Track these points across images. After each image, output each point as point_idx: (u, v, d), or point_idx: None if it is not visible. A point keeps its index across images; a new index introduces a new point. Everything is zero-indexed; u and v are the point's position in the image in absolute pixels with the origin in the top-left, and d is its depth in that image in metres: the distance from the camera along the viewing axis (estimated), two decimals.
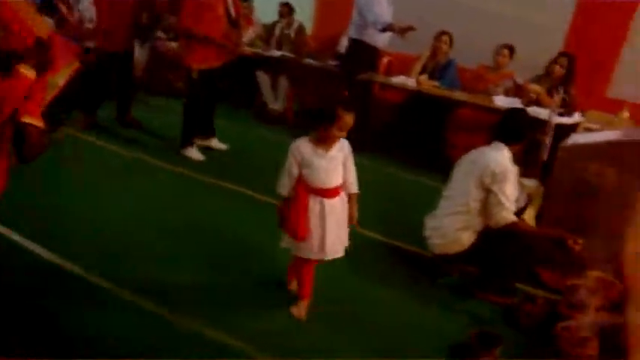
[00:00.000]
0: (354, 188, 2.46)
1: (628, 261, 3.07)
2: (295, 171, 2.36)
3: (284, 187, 2.39)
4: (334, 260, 2.46)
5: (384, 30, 5.06)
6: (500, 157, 2.86)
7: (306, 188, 2.35)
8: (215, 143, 4.75)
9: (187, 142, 4.48)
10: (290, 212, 2.37)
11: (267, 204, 3.73)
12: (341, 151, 2.38)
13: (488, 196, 2.82)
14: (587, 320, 2.37)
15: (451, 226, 2.89)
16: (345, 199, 2.44)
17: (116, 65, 4.83)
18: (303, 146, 2.36)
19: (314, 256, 2.43)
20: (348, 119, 2.27)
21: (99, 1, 4.60)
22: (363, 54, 5.30)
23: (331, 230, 2.39)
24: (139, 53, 5.84)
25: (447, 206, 2.97)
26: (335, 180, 2.37)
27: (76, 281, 2.55)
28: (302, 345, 2.33)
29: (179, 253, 2.96)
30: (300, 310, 2.52)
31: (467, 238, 2.87)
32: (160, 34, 6.17)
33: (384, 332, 2.51)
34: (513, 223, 2.78)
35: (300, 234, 2.35)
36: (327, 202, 2.37)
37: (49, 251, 2.74)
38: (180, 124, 4.51)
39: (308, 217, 2.35)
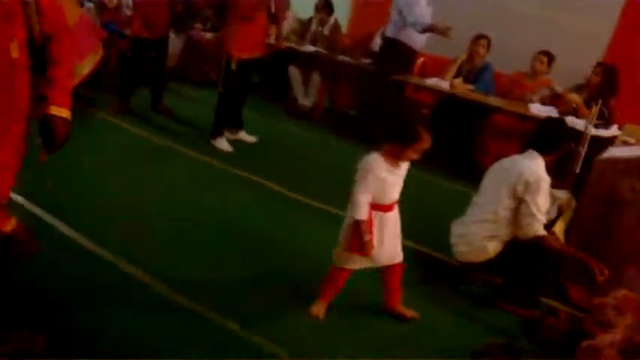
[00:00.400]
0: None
1: None
2: (371, 188, 2.29)
3: (363, 208, 2.27)
4: None
5: (424, 31, 5.02)
6: (535, 166, 2.79)
7: (371, 204, 2.31)
8: (244, 135, 4.78)
9: (217, 133, 4.52)
10: (356, 230, 2.31)
11: (292, 199, 3.78)
12: (404, 169, 2.38)
13: (519, 206, 2.76)
14: (613, 339, 2.30)
15: (478, 234, 2.84)
16: (397, 209, 2.43)
17: (151, 53, 4.89)
18: (377, 163, 2.29)
19: (363, 265, 2.44)
20: (428, 142, 2.23)
21: None
22: (399, 54, 5.25)
23: (388, 242, 2.39)
24: (175, 42, 5.90)
25: (475, 213, 2.92)
26: (397, 194, 2.39)
27: (108, 268, 2.58)
28: (319, 345, 2.32)
29: (202, 243, 2.99)
30: (319, 309, 2.50)
31: (493, 248, 2.81)
32: (197, 25, 6.23)
33: (398, 333, 2.49)
34: (542, 237, 2.72)
35: (367, 252, 2.31)
36: (385, 215, 2.36)
37: (82, 235, 2.78)
38: (211, 114, 4.55)
39: (374, 232, 2.32)
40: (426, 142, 2.23)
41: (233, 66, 4.29)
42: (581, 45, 5.42)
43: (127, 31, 4.79)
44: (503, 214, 2.81)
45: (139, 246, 2.79)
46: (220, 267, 2.78)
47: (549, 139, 2.86)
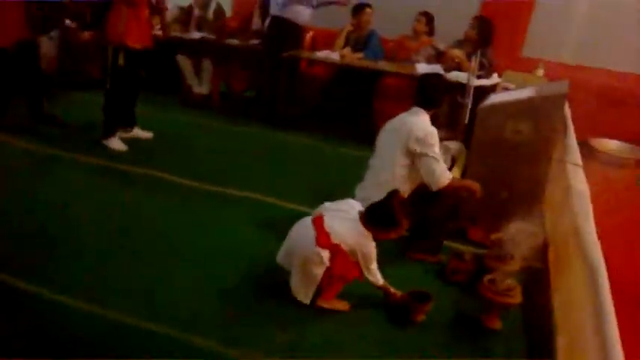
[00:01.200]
0: None
1: (548, 209, 3.23)
2: None
3: (378, 275, 2.50)
4: None
5: (320, 5, 5.08)
6: (421, 122, 2.91)
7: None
8: (138, 132, 4.59)
9: (109, 133, 4.31)
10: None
11: (195, 189, 3.69)
12: None
13: (419, 162, 2.88)
14: (511, 270, 2.47)
15: (379, 196, 2.93)
16: None
17: (11, 61, 4.50)
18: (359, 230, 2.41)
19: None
20: (405, 226, 2.43)
21: None
22: (286, 31, 5.23)
23: None
24: (47, 46, 5.50)
25: (373, 176, 3.01)
26: None
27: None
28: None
29: (106, 247, 2.85)
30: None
31: None
32: (69, 23, 5.84)
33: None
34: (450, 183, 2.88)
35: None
36: None
37: None
38: (100, 115, 4.32)
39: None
40: (404, 227, 2.43)
41: (121, 60, 4.07)
42: (458, 3, 5.68)
43: None
44: (399, 173, 2.91)
45: (51, 264, 2.63)
46: (160, 274, 2.65)
47: (429, 95, 2.99)
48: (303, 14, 5.18)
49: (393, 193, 2.43)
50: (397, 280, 2.56)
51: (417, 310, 2.40)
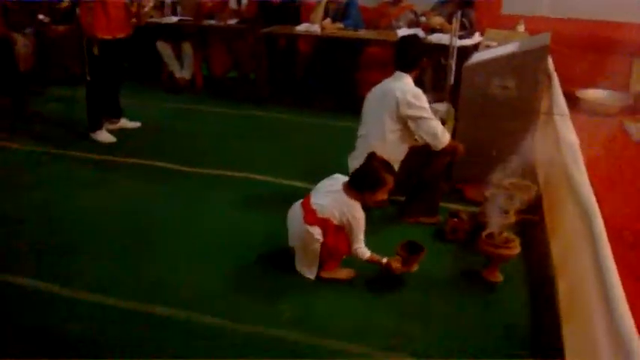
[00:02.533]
0: None
1: (539, 162, 3.27)
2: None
3: (366, 252, 2.48)
4: None
5: None
6: (405, 85, 2.92)
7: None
8: (125, 122, 4.55)
9: (96, 126, 4.27)
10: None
11: (185, 173, 3.69)
12: None
13: (416, 125, 2.89)
14: (507, 223, 2.51)
15: None
16: None
17: None
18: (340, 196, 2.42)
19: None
20: (391, 182, 2.41)
21: None
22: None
23: None
24: (23, 43, 5.40)
25: (363, 145, 3.01)
26: None
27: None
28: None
29: (106, 241, 2.85)
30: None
31: None
32: (42, 17, 5.73)
33: None
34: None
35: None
36: None
37: None
38: (84, 109, 4.28)
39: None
40: (390, 183, 2.41)
41: (95, 50, 4.01)
42: None
43: None
44: (390, 139, 2.92)
45: (53, 259, 2.62)
46: (164, 258, 2.67)
47: (408, 57, 2.99)
48: None
49: (371, 156, 2.46)
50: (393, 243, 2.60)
51: (411, 262, 2.42)
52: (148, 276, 2.52)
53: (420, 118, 2.87)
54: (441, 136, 2.88)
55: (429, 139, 2.88)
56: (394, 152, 2.91)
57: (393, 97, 2.90)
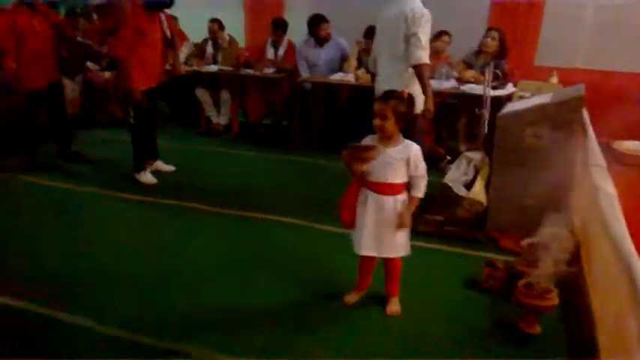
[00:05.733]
0: (416, 192, 2.40)
1: (576, 212, 3.23)
2: None
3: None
4: None
5: None
6: (416, 3, 3.30)
7: (362, 179, 2.41)
8: (161, 165, 4.69)
9: (140, 167, 4.42)
10: (343, 197, 2.47)
11: (220, 215, 3.76)
12: (402, 152, 2.36)
13: (408, 41, 3.27)
14: (544, 273, 2.48)
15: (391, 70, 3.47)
16: (404, 201, 2.41)
17: (43, 102, 4.68)
18: (369, 139, 2.43)
19: (356, 250, 2.49)
20: (376, 107, 2.33)
21: (4, 38, 4.37)
22: None
23: (369, 226, 2.42)
24: (71, 88, 5.70)
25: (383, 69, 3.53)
26: (387, 177, 2.37)
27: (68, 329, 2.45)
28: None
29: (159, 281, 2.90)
30: (350, 297, 2.64)
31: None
32: (90, 65, 6.06)
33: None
34: (423, 64, 3.25)
35: (342, 217, 2.48)
36: (374, 196, 2.40)
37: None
38: (125, 152, 4.45)
39: (354, 204, 2.45)
40: (375, 108, 2.34)
41: (138, 95, 4.20)
42: (466, 18, 5.78)
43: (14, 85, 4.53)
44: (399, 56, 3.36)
45: (114, 302, 2.66)
46: (198, 297, 2.72)
47: None
48: None
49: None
50: (428, 288, 2.58)
51: (359, 157, 2.31)
52: (180, 314, 2.55)
53: (414, 35, 3.22)
54: (420, 54, 3.22)
55: (410, 52, 3.25)
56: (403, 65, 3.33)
57: (406, 12, 3.26)
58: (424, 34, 3.26)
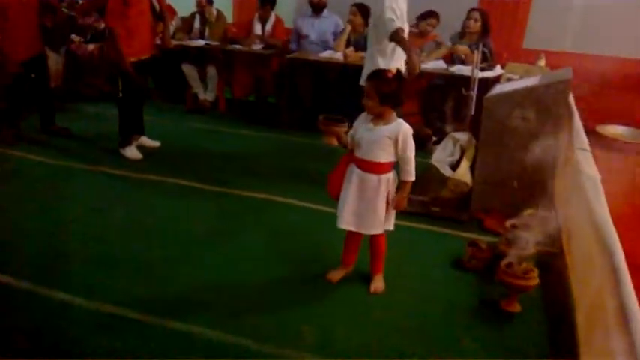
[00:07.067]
0: (406, 176, 2.41)
1: (559, 195, 3.28)
2: (352, 134, 2.46)
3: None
4: None
5: None
6: None
7: (351, 155, 2.47)
8: (145, 141, 4.64)
9: (126, 142, 4.37)
10: (332, 171, 2.56)
11: (205, 192, 3.75)
12: (392, 131, 2.35)
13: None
14: (526, 254, 2.52)
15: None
16: (389, 181, 2.43)
17: (27, 74, 4.59)
18: (363, 116, 2.45)
19: (337, 223, 2.52)
20: (367, 87, 2.36)
21: None
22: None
23: (350, 201, 2.45)
24: (55, 60, 5.59)
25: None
26: (375, 155, 2.38)
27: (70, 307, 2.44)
28: None
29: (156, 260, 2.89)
30: (333, 275, 2.68)
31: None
32: (74, 37, 5.93)
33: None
34: (397, 30, 3.37)
35: (328, 189, 2.59)
36: (359, 173, 2.42)
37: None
38: (111, 126, 4.39)
39: (341, 178, 2.51)
40: (366, 88, 2.36)
41: (128, 67, 4.13)
42: None
43: None
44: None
45: (104, 279, 2.64)
46: (189, 275, 2.71)
47: None
48: None
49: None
50: (412, 267, 2.61)
51: (330, 132, 2.43)
52: (171, 292, 2.56)
53: (388, 7, 3.36)
54: (391, 24, 3.37)
55: (384, 21, 3.39)
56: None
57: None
58: (391, 7, 3.37)
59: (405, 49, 3.43)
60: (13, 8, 4.30)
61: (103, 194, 3.69)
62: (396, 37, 3.39)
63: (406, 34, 3.76)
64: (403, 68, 3.45)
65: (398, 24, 3.38)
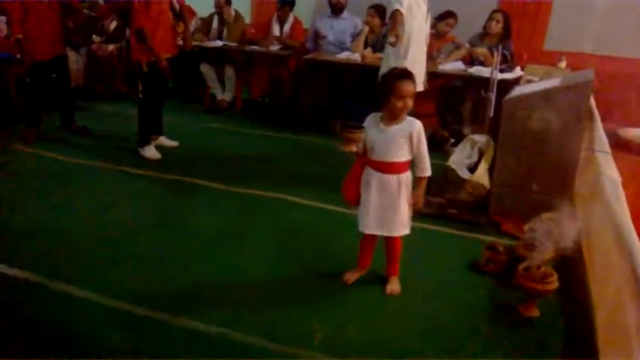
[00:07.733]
0: (422, 172, 2.41)
1: (579, 198, 3.23)
2: (364, 138, 2.40)
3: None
4: None
5: None
6: None
7: (366, 158, 2.44)
8: (164, 141, 4.67)
9: (145, 141, 4.41)
10: (346, 176, 2.54)
11: (222, 191, 3.76)
12: (405, 129, 2.34)
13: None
14: (545, 258, 2.48)
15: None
16: (407, 179, 2.43)
17: (49, 74, 4.66)
18: (371, 118, 2.43)
19: (361, 228, 2.52)
20: (405, 86, 2.28)
21: (13, 9, 4.32)
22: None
23: (372, 206, 2.44)
24: (75, 59, 5.66)
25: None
26: (392, 155, 2.37)
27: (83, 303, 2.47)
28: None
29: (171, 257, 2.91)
30: (349, 276, 2.64)
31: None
32: (95, 37, 6.01)
33: None
34: (395, 11, 3.65)
35: (345, 195, 2.56)
36: (378, 175, 2.41)
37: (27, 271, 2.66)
38: (129, 126, 4.43)
39: (357, 183, 2.49)
40: (402, 87, 2.27)
41: (144, 68, 4.18)
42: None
43: (19, 56, 4.50)
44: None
45: (117, 275, 2.67)
46: (202, 274, 2.72)
47: None
48: None
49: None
50: (428, 270, 2.59)
51: (349, 139, 2.34)
52: (183, 289, 2.57)
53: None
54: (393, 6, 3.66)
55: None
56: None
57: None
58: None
59: (392, 29, 3.71)
60: (36, 9, 4.37)
61: (120, 192, 3.71)
62: (391, 15, 3.69)
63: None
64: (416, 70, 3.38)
65: (397, 6, 3.64)
